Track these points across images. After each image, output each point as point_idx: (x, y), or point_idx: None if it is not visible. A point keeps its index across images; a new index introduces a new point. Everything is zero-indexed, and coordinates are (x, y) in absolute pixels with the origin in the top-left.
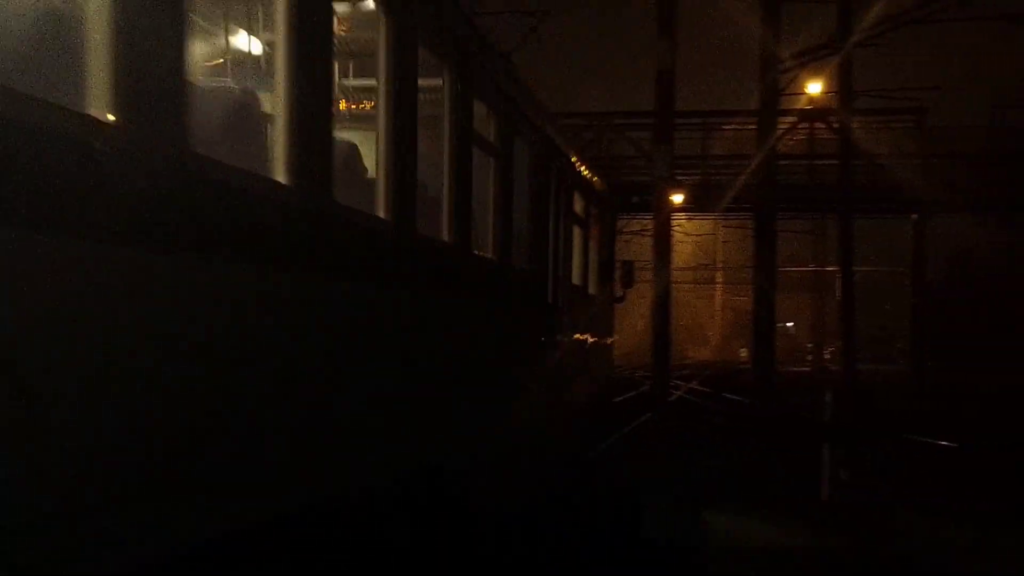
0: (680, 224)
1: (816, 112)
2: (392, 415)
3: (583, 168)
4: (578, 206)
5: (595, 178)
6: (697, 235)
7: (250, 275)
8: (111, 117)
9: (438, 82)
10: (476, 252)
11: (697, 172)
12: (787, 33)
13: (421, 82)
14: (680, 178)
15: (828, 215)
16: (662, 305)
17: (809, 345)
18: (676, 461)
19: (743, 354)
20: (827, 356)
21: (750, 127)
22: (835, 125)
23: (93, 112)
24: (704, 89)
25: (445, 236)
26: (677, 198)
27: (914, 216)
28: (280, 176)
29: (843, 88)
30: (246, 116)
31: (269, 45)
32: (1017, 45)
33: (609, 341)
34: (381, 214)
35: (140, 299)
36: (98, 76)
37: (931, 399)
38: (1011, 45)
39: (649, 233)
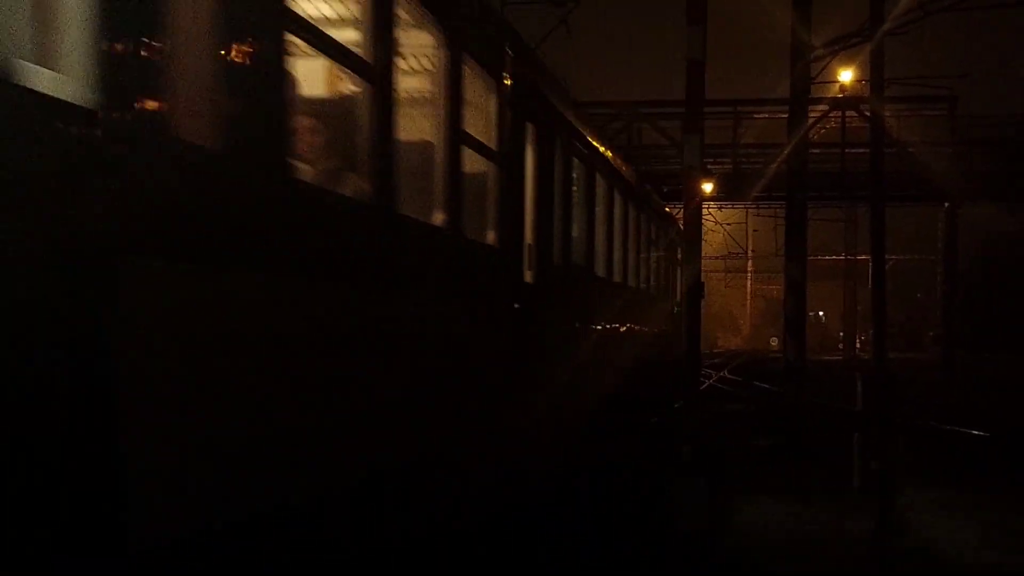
0: (711, 213)
1: (847, 100)
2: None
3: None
4: (676, 252)
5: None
6: (728, 224)
7: None
8: None
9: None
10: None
11: (728, 161)
12: (818, 20)
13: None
14: (711, 167)
15: (859, 203)
16: (693, 294)
17: (840, 334)
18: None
19: (774, 343)
20: (858, 345)
21: (781, 115)
22: (866, 113)
23: None
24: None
25: (651, 287)
26: (707, 187)
27: (946, 205)
28: None
29: (874, 76)
30: None
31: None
32: None
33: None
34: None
35: None
36: None
37: (963, 389)
38: None
39: (680, 222)
